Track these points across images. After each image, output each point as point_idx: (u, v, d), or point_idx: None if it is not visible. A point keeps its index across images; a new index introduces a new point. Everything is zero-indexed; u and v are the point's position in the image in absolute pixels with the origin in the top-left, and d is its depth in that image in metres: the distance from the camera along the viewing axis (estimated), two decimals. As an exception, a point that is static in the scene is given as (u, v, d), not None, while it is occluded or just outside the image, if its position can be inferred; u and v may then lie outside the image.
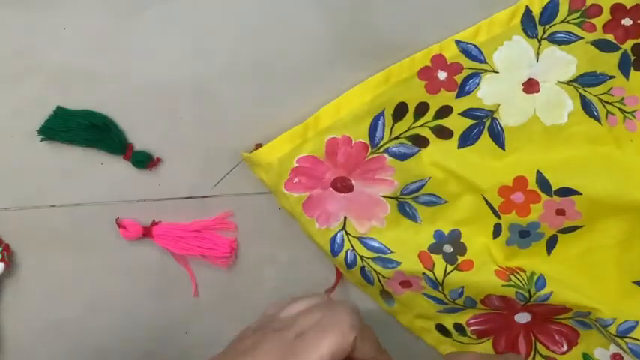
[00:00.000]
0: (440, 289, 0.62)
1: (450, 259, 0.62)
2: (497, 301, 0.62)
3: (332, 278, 0.66)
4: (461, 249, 0.63)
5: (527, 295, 0.61)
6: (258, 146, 0.59)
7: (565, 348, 0.66)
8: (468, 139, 0.61)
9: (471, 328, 0.65)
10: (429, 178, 0.61)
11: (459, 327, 0.66)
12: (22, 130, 0.60)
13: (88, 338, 0.65)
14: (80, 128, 0.59)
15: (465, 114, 0.60)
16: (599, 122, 0.60)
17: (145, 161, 0.60)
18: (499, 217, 0.62)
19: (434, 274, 0.61)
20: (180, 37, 0.59)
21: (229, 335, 0.65)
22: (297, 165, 0.60)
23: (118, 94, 0.57)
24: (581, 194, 0.59)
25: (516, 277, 0.61)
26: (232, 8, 0.58)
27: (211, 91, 0.60)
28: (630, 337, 0.60)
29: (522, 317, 0.65)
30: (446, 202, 0.62)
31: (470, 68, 0.59)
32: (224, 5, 0.58)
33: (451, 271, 0.61)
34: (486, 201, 0.61)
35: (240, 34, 0.59)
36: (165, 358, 0.67)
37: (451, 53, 0.59)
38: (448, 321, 0.66)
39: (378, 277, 0.63)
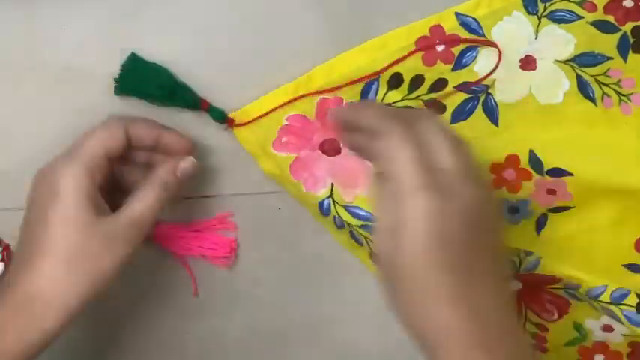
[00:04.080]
0: None
1: None
2: None
3: (332, 278, 0.66)
4: None
5: (516, 260, 0.61)
6: (231, 121, 0.59)
7: (555, 316, 0.66)
8: (461, 113, 0.60)
9: None
10: None
11: None
12: (22, 130, 0.59)
13: (88, 338, 0.65)
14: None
15: (459, 87, 0.60)
16: (595, 103, 0.60)
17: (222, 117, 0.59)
18: None
19: None
20: (180, 37, 0.58)
21: (229, 335, 0.67)
22: (286, 123, 0.60)
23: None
24: (572, 175, 0.60)
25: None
26: (232, 8, 0.58)
27: (211, 91, 0.59)
28: (625, 304, 0.61)
29: (512, 285, 0.65)
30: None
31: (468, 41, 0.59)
32: (224, 6, 0.58)
33: None
34: None
35: (240, 34, 0.59)
36: (165, 358, 0.67)
37: (450, 25, 0.58)
38: None
39: (367, 241, 0.63)
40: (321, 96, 0.59)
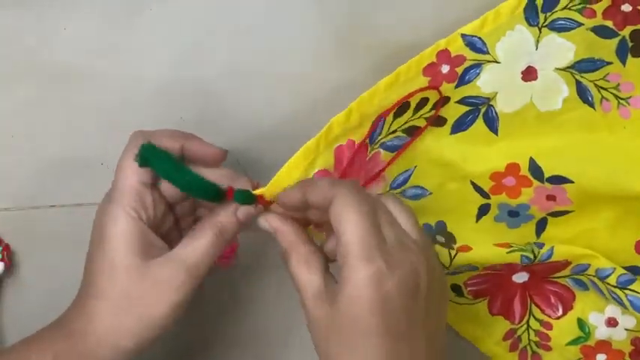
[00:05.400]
0: (446, 269, 0.63)
1: (448, 247, 0.63)
2: (500, 265, 0.63)
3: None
4: (451, 238, 0.64)
5: (531, 256, 0.61)
6: (261, 199, 0.55)
7: (560, 312, 0.67)
8: (461, 124, 0.60)
9: (469, 288, 0.66)
10: (415, 166, 0.61)
11: (456, 288, 0.66)
12: (22, 130, 0.59)
13: None
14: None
15: (461, 101, 0.60)
16: (593, 108, 0.60)
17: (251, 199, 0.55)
18: (488, 198, 0.62)
19: (441, 262, 0.61)
20: (180, 37, 0.58)
21: (229, 335, 0.67)
22: None
23: (117, 94, 0.56)
24: (573, 182, 0.60)
25: (517, 245, 0.62)
26: (232, 8, 0.58)
27: (211, 91, 0.59)
28: (630, 289, 0.61)
29: (520, 277, 0.65)
30: (430, 193, 0.62)
31: (473, 60, 0.58)
32: (224, 5, 0.57)
33: (456, 255, 0.61)
34: (475, 185, 0.62)
35: (240, 34, 0.58)
36: (165, 358, 0.67)
37: (456, 46, 0.58)
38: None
39: None
40: (337, 143, 0.58)
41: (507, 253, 0.61)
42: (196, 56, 0.58)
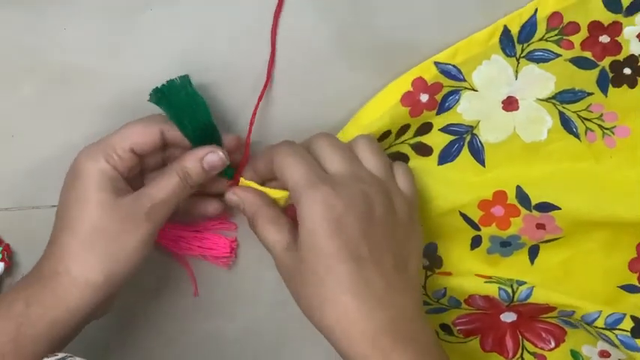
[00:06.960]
0: (423, 291, 0.63)
1: (427, 269, 0.63)
2: (482, 302, 0.63)
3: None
4: (437, 262, 0.64)
5: (510, 291, 0.61)
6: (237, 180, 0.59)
7: (552, 345, 0.67)
8: (448, 155, 0.61)
9: (458, 327, 0.66)
10: None
11: (445, 327, 0.67)
12: (22, 130, 0.60)
13: (88, 338, 0.65)
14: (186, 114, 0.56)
15: (444, 129, 0.61)
16: (579, 139, 0.61)
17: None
18: (479, 230, 0.62)
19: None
20: (180, 38, 0.58)
21: (229, 335, 0.67)
22: None
23: (118, 94, 0.57)
24: (560, 209, 0.60)
25: (497, 277, 0.62)
26: (232, 8, 0.58)
27: (211, 92, 0.60)
28: (619, 329, 0.61)
29: (508, 317, 0.65)
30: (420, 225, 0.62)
31: (449, 86, 0.60)
32: (224, 5, 0.58)
33: (430, 276, 0.62)
34: (465, 216, 0.62)
35: (240, 34, 0.59)
36: (165, 357, 0.67)
37: (431, 75, 0.59)
38: (434, 322, 0.66)
39: None
40: None
41: (485, 283, 0.62)
42: (196, 57, 0.59)
